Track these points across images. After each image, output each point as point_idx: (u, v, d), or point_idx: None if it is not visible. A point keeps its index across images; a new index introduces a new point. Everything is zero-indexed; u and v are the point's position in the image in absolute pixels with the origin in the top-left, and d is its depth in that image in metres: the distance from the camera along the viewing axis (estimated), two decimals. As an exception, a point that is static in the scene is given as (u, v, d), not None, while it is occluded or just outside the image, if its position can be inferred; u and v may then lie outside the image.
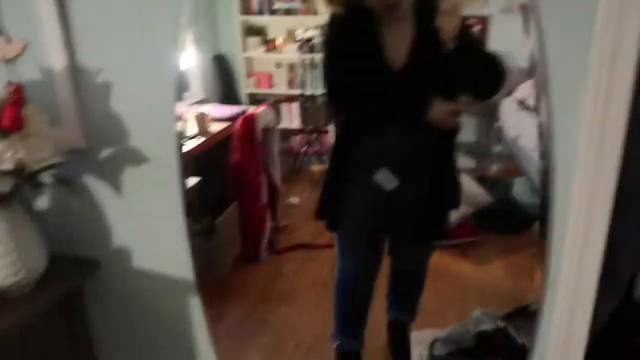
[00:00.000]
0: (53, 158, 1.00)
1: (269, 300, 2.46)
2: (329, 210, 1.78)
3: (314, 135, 3.85)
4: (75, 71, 1.10)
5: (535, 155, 2.83)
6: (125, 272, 1.21)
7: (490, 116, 4.07)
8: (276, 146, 2.92)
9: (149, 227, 1.16)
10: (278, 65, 4.05)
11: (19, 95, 0.96)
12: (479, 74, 1.54)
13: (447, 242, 2.98)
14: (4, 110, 0.95)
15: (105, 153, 1.12)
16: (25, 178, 0.98)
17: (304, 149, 3.90)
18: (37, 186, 1.01)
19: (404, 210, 1.74)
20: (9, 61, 1.10)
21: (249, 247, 2.73)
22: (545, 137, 1.01)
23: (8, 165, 0.94)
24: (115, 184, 1.14)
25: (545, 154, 1.02)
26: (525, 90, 3.86)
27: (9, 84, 1.01)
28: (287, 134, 3.92)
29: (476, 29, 3.25)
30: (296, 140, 4.13)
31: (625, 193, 0.97)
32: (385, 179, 1.63)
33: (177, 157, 1.09)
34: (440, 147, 1.66)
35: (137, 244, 1.19)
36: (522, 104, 3.65)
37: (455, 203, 1.82)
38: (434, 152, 1.66)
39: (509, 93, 3.96)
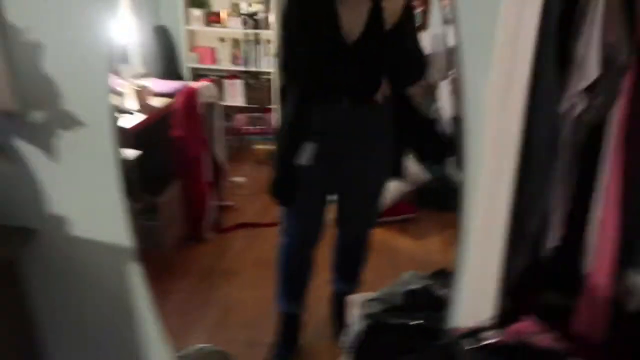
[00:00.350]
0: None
1: (213, 278, 2.47)
2: (282, 188, 1.80)
3: (259, 114, 3.84)
4: (5, 29, 1.02)
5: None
6: (62, 240, 1.16)
7: (429, 97, 4.22)
8: (219, 123, 2.90)
9: (85, 195, 1.12)
10: (222, 40, 3.96)
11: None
12: (402, 60, 1.59)
13: (388, 218, 3.10)
14: None
15: (37, 116, 1.06)
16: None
17: (248, 127, 3.88)
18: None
19: (353, 176, 1.78)
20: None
21: (192, 226, 2.72)
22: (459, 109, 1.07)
23: None
24: (49, 150, 1.09)
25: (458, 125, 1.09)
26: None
27: None
28: (231, 111, 3.87)
29: (419, 9, 3.37)
30: (240, 118, 4.10)
31: (528, 161, 1.06)
32: (305, 154, 1.65)
33: (111, 128, 1.06)
34: (386, 120, 1.72)
35: (74, 212, 1.14)
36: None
37: (399, 172, 1.89)
38: (379, 124, 1.71)
39: (445, 76, 4.11)
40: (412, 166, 3.26)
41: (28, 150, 1.10)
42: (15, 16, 1.02)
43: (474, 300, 1.09)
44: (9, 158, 1.02)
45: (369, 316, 1.30)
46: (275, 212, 3.10)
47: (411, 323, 1.21)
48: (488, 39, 0.93)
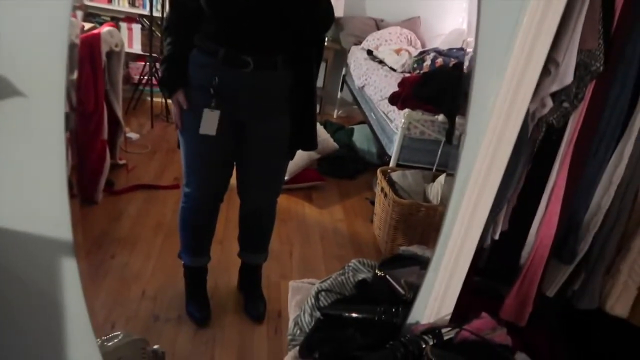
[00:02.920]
0: None
1: (108, 245, 2.26)
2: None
3: (157, 63, 3.49)
4: None
5: (380, 105, 3.08)
6: None
7: (337, 62, 4.23)
8: (120, 73, 2.59)
9: (11, 178, 0.89)
10: (120, -24, 3.52)
11: None
12: (304, 8, 1.47)
13: (294, 185, 3.10)
14: None
15: None
16: None
17: (145, 77, 3.53)
18: None
19: (254, 144, 1.69)
20: None
21: (84, 187, 2.45)
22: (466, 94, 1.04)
23: None
24: None
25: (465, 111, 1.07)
26: (373, 41, 4.08)
27: None
28: (126, 59, 3.48)
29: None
30: (136, 67, 3.70)
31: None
32: (208, 121, 1.55)
33: (61, 98, 0.85)
34: (292, 84, 1.63)
35: None
36: (370, 53, 3.85)
37: (312, 144, 1.79)
38: (281, 91, 1.63)
39: (359, 41, 4.14)
40: (321, 134, 3.28)
41: None
42: None
43: (439, 295, 1.12)
44: None
45: (319, 309, 1.28)
46: (173, 173, 2.94)
47: (366, 317, 1.21)
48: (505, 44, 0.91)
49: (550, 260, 1.36)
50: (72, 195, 0.99)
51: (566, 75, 1.09)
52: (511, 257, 1.38)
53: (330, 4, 1.54)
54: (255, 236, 2.04)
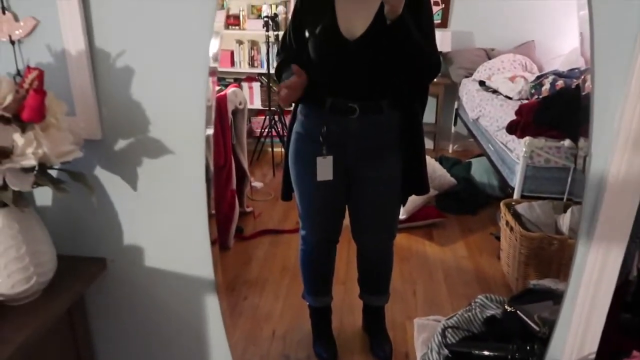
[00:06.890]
0: (75, 152, 0.85)
1: (240, 287, 2.41)
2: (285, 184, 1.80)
3: (276, 117, 3.76)
4: (93, 54, 0.94)
5: (498, 136, 2.97)
6: (136, 272, 1.09)
7: (449, 97, 4.17)
8: (245, 128, 2.83)
9: (165, 224, 1.04)
10: (240, 42, 3.90)
11: (41, 82, 0.80)
12: (408, 55, 1.46)
13: (413, 223, 3.06)
14: (27, 99, 0.79)
15: (121, 144, 0.99)
16: (43, 174, 0.83)
17: (265, 130, 3.80)
18: (56, 183, 0.86)
19: (364, 187, 1.69)
20: (15, 42, 0.91)
21: (218, 234, 2.66)
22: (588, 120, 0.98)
23: (31, 161, 0.78)
24: (131, 179, 1.01)
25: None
26: (485, 71, 3.99)
27: (29, 69, 0.83)
28: (249, 114, 3.80)
29: (438, 7, 3.26)
30: (257, 121, 4.02)
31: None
32: (323, 167, 1.59)
33: (202, 157, 0.98)
34: (398, 127, 1.62)
35: (151, 242, 1.06)
36: (482, 84, 3.75)
37: (423, 189, 1.79)
38: (392, 132, 1.63)
39: (469, 73, 4.07)
40: (437, 170, 3.23)
41: (109, 178, 1.02)
42: (103, 39, 0.94)
43: (579, 332, 1.03)
44: (88, 186, 0.94)
45: (447, 346, 1.24)
46: (295, 217, 3.07)
47: (497, 355, 1.15)
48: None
49: None
50: (212, 242, 1.09)
51: None
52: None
53: (436, 51, 1.56)
54: (373, 279, 2.04)
